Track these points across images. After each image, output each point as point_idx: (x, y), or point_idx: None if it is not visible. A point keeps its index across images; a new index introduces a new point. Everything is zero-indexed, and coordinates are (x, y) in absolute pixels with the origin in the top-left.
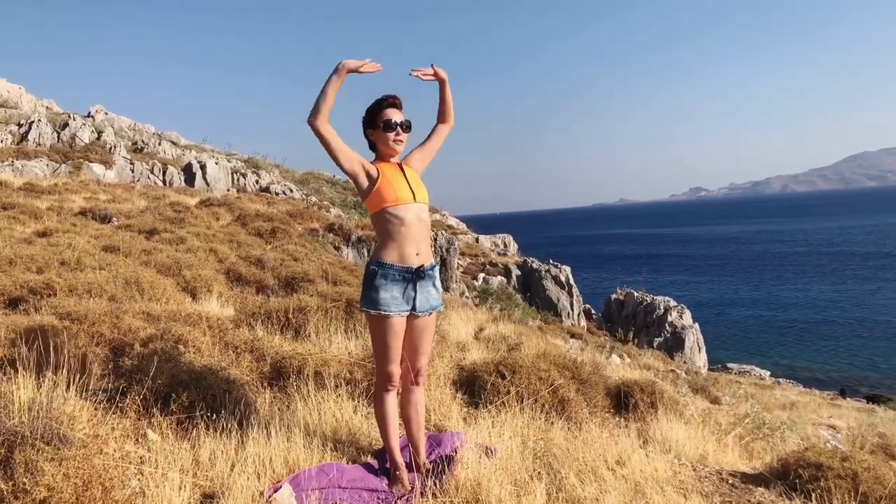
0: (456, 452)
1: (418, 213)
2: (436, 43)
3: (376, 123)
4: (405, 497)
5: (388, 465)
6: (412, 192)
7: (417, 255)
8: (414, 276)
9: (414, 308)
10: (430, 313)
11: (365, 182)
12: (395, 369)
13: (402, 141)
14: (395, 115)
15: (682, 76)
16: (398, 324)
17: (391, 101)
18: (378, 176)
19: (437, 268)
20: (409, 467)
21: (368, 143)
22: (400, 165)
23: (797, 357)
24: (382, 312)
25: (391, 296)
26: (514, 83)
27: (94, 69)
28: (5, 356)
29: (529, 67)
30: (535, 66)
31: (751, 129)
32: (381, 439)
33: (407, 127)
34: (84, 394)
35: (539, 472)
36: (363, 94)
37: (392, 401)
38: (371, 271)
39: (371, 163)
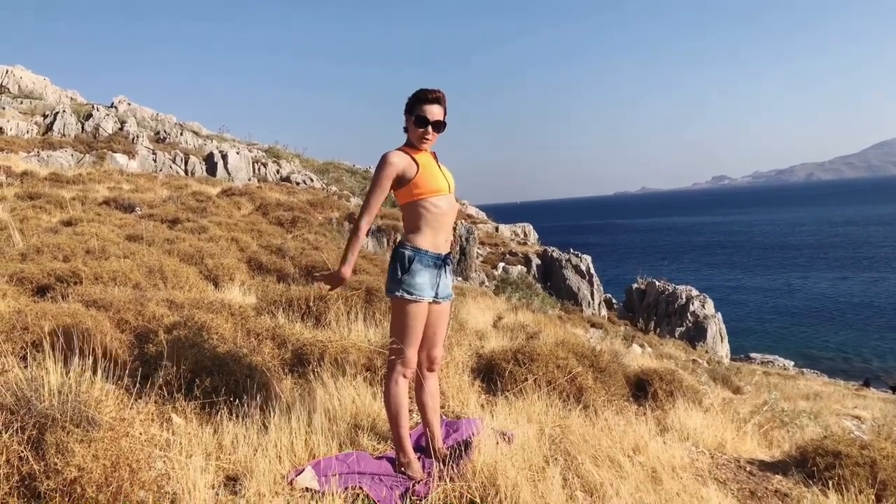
0: (473, 438)
1: (450, 202)
2: (447, 19)
3: (413, 113)
4: (423, 481)
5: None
6: (447, 182)
7: (445, 242)
8: (442, 264)
9: (436, 295)
10: (447, 300)
11: (413, 174)
12: (416, 355)
13: (429, 140)
14: (431, 113)
15: (706, 62)
16: (426, 309)
17: (434, 97)
18: (418, 168)
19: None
20: (426, 453)
21: (404, 125)
22: (434, 154)
23: (821, 347)
24: (417, 297)
25: (424, 281)
26: (533, 71)
27: (116, 55)
28: (35, 342)
29: (545, 55)
30: (552, 54)
31: (775, 116)
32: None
33: (438, 127)
34: (111, 378)
35: (556, 458)
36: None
37: (407, 388)
38: (408, 257)
39: (404, 152)
